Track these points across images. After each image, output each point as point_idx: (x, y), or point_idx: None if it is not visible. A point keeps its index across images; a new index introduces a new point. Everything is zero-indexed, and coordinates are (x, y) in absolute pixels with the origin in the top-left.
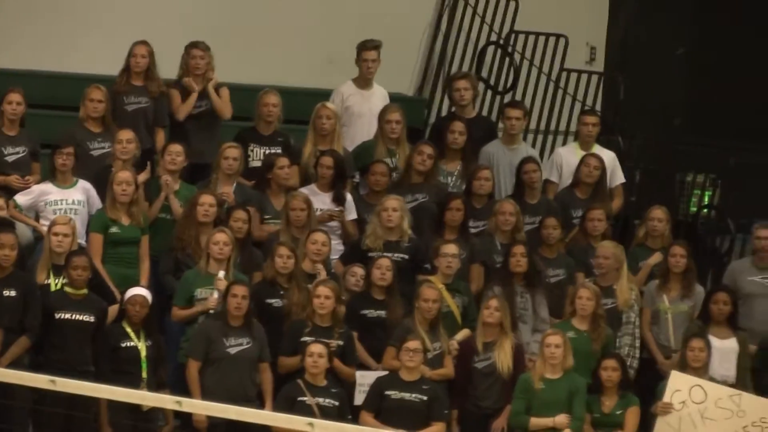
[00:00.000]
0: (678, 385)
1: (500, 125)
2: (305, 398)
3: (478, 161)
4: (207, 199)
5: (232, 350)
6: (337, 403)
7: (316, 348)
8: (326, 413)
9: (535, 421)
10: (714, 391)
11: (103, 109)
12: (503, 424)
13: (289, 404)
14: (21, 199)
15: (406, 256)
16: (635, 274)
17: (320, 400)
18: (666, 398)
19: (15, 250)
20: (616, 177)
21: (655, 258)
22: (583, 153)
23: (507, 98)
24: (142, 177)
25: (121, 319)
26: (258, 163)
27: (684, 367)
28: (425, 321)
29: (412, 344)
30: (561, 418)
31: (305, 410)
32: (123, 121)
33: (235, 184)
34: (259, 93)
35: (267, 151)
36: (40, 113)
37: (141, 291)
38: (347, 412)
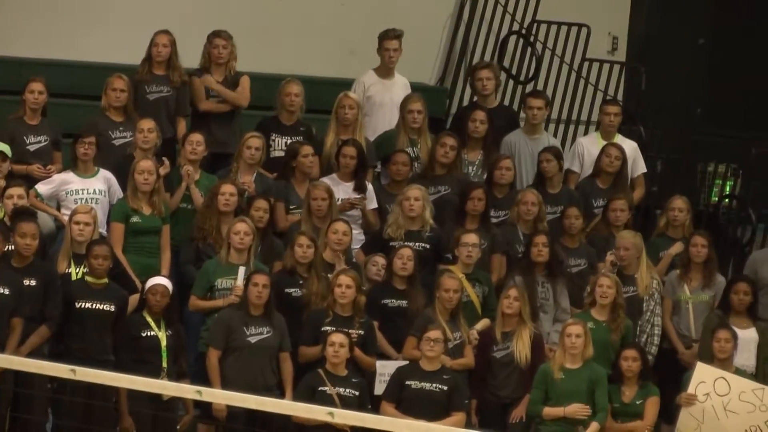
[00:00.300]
0: (703, 377)
1: (522, 115)
2: (326, 388)
3: (499, 151)
4: (228, 188)
5: (253, 339)
6: (357, 393)
7: (337, 338)
8: (347, 403)
9: (548, 411)
10: (738, 384)
11: (125, 98)
12: (522, 413)
13: (309, 394)
14: (42, 188)
15: (428, 246)
16: (656, 264)
17: (341, 389)
18: (691, 389)
19: (36, 239)
20: (638, 167)
21: (676, 248)
22: (604, 143)
23: (529, 88)
24: (163, 171)
25: (142, 308)
26: (280, 153)
27: (708, 357)
28: (446, 311)
29: (433, 334)
30: (573, 408)
31: (326, 400)
32: (145, 110)
33: (255, 174)
34: (281, 82)
35: (289, 141)
36: (61, 102)
37: (162, 280)
38: (367, 402)
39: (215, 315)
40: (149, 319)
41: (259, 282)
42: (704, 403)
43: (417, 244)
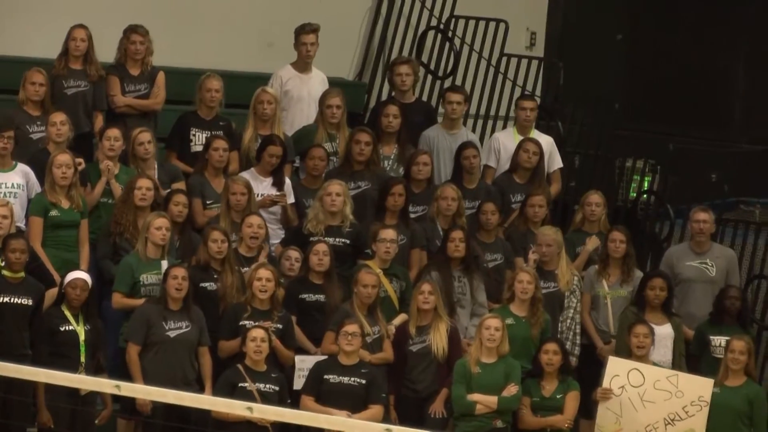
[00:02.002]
0: (616, 370)
1: (441, 110)
2: (246, 384)
3: (416, 146)
4: (144, 182)
5: (172, 333)
6: (277, 388)
7: (258, 333)
8: (267, 399)
9: (480, 397)
10: (651, 374)
11: (44, 92)
12: (440, 408)
13: (229, 390)
14: None
15: (348, 241)
16: (573, 260)
17: (261, 385)
18: (605, 384)
19: None
20: (554, 162)
21: (592, 242)
22: (520, 138)
23: (447, 83)
24: (79, 168)
25: (61, 302)
26: (200, 148)
27: (625, 353)
28: (363, 306)
29: (350, 328)
30: (510, 389)
31: (246, 396)
32: (62, 104)
33: (156, 166)
34: (201, 77)
35: (208, 135)
36: None
37: (81, 275)
38: (287, 397)
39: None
40: (68, 314)
41: (178, 275)
42: (620, 396)
43: (337, 239)
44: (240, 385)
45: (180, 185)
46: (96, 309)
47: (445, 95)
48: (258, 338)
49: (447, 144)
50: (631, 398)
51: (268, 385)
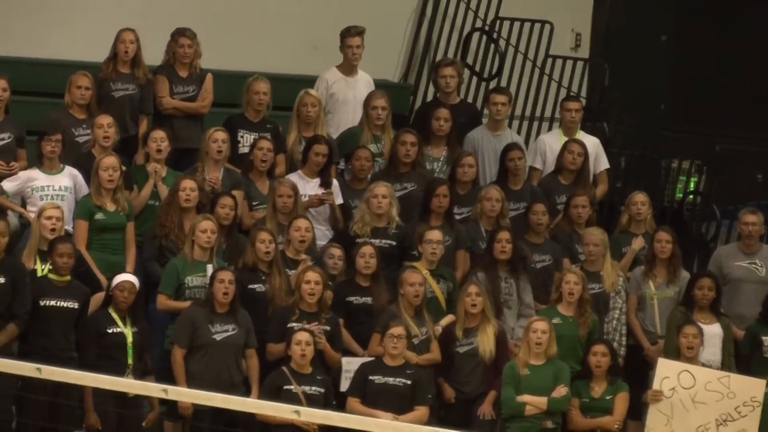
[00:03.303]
0: (666, 372)
1: (485, 111)
2: (291, 386)
3: (462, 147)
4: (188, 183)
5: (218, 337)
6: (322, 391)
7: (303, 336)
8: (312, 401)
9: (529, 398)
10: (702, 375)
11: (89, 96)
12: (488, 410)
13: (274, 393)
14: (8, 185)
15: (394, 243)
16: (619, 260)
17: (306, 388)
18: (655, 386)
19: (5, 237)
20: (601, 163)
21: (638, 243)
22: (566, 139)
23: (492, 85)
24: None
25: (108, 305)
26: (247, 149)
27: (674, 353)
28: (410, 306)
29: (396, 330)
30: (560, 390)
31: (291, 398)
32: (109, 107)
33: (222, 169)
34: (247, 80)
35: (256, 137)
36: (21, 100)
37: (129, 277)
38: (332, 400)
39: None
40: (115, 316)
41: (224, 278)
42: (671, 398)
43: (383, 241)
44: (285, 387)
45: (238, 195)
46: (143, 311)
47: (490, 96)
48: (303, 341)
49: (491, 145)
50: (682, 400)
51: (313, 388)
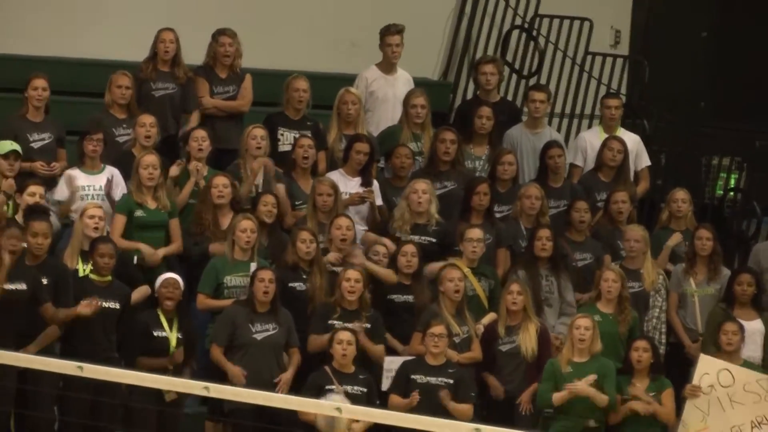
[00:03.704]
0: (706, 369)
1: (525, 109)
2: (333, 386)
3: (501, 145)
4: (221, 180)
5: (259, 336)
6: (365, 390)
7: (345, 335)
8: (354, 400)
9: (556, 396)
10: (742, 375)
11: (129, 95)
12: (527, 402)
13: (316, 392)
14: (58, 195)
15: (434, 240)
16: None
17: (348, 387)
18: (695, 381)
19: (48, 238)
20: (642, 160)
21: (675, 239)
22: (606, 136)
23: (532, 82)
24: (174, 171)
25: (153, 306)
26: (288, 147)
27: (715, 350)
28: (451, 304)
29: (436, 329)
30: (582, 383)
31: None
32: (150, 106)
33: (262, 170)
34: (286, 78)
35: (297, 135)
36: (60, 99)
37: (172, 274)
38: (375, 399)
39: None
40: (162, 319)
41: (265, 277)
42: (709, 395)
43: (423, 237)
44: (327, 387)
45: (280, 188)
46: (188, 314)
47: (529, 94)
48: (344, 341)
49: (530, 143)
50: (720, 398)
51: (355, 387)
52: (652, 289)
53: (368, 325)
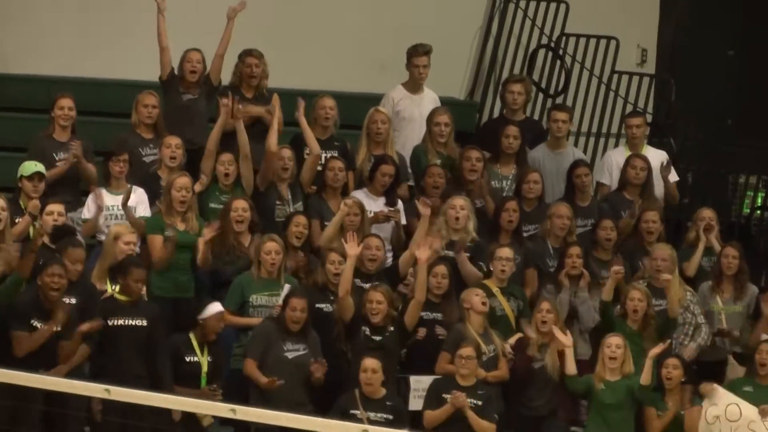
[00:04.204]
0: (716, 400)
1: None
2: (357, 411)
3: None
4: (240, 204)
5: (290, 355)
6: (390, 417)
7: (371, 363)
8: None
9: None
10: (749, 412)
11: (156, 114)
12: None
13: (340, 415)
14: (87, 214)
15: (469, 256)
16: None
17: (372, 414)
18: (703, 408)
19: (82, 265)
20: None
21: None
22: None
23: (558, 101)
24: (198, 188)
25: (189, 329)
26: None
27: (750, 369)
28: (478, 322)
29: (464, 351)
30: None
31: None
32: (177, 116)
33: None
34: (314, 98)
35: (325, 155)
36: (86, 120)
37: (220, 307)
38: (404, 424)
39: (251, 330)
40: (194, 343)
41: (297, 307)
42: (713, 424)
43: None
44: (351, 411)
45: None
46: (218, 339)
47: (551, 113)
48: (369, 369)
49: (554, 163)
50: (722, 430)
51: (380, 414)
52: (681, 306)
53: (479, 402)
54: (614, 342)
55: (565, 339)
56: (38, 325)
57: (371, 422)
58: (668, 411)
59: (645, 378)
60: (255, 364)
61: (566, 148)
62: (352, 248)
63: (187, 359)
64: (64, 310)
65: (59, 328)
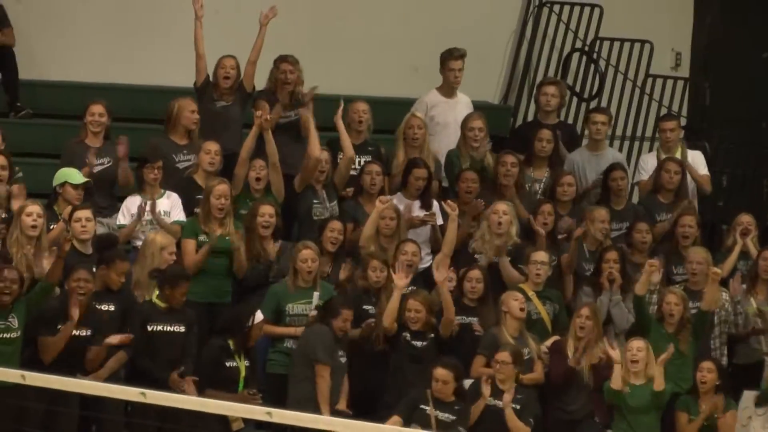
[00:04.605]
0: (748, 403)
1: (585, 132)
2: (426, 408)
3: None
4: (267, 209)
5: (343, 359)
6: (454, 418)
7: (441, 374)
8: (441, 426)
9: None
10: None
11: (197, 119)
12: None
13: (410, 410)
14: (122, 220)
15: (508, 259)
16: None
17: (439, 413)
18: (739, 411)
19: (124, 278)
20: (699, 168)
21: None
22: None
23: (592, 105)
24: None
25: (227, 335)
26: (352, 172)
27: None
28: (514, 326)
29: (501, 356)
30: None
31: (424, 419)
32: (212, 123)
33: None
34: (348, 103)
35: (359, 160)
36: (119, 126)
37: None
38: (465, 426)
39: (313, 328)
40: (233, 348)
41: (348, 318)
42: (746, 426)
43: (496, 258)
44: (421, 407)
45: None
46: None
47: (589, 116)
48: (440, 380)
49: (593, 166)
50: (755, 428)
51: (446, 414)
52: (715, 307)
53: (517, 407)
54: (635, 345)
55: (616, 355)
56: None
57: (437, 420)
58: (700, 415)
59: (658, 384)
60: (328, 370)
61: (605, 150)
62: (401, 280)
63: (227, 364)
64: (80, 307)
65: (86, 333)
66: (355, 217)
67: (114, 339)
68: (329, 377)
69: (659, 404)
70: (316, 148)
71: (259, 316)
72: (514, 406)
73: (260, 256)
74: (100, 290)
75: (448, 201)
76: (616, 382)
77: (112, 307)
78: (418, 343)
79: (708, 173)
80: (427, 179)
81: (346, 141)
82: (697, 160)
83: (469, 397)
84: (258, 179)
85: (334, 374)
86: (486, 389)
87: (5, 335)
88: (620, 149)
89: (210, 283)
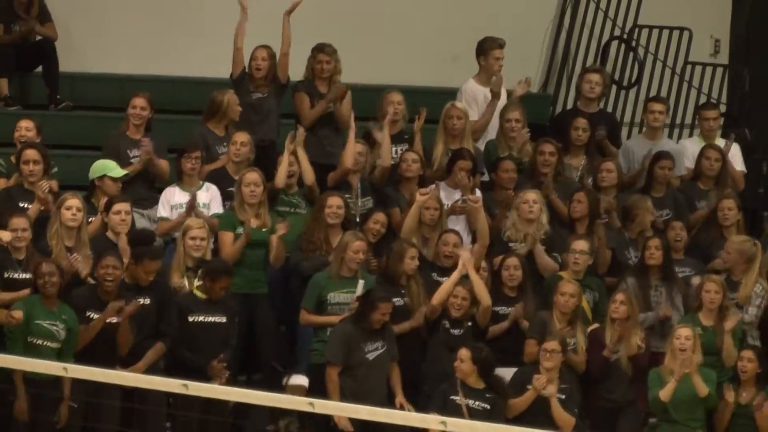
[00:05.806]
0: None
1: (629, 120)
2: (456, 397)
3: (602, 155)
4: (335, 201)
5: (371, 356)
6: (487, 407)
7: (462, 352)
8: (474, 415)
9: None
10: None
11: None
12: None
13: (442, 401)
14: (163, 212)
15: (543, 248)
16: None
17: (471, 401)
18: None
19: (154, 275)
20: (736, 164)
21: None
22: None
23: (631, 93)
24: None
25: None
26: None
27: None
28: (562, 316)
29: (549, 345)
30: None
31: (455, 409)
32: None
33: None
34: (383, 93)
35: (394, 149)
36: (160, 117)
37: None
38: (500, 418)
39: (329, 329)
40: None
41: (386, 311)
42: None
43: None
44: (451, 398)
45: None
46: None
47: (647, 105)
48: (458, 358)
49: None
50: None
51: (478, 402)
52: (745, 301)
53: (563, 397)
54: (684, 333)
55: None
56: (94, 317)
57: (469, 409)
58: (733, 401)
59: (701, 391)
60: (338, 371)
61: (662, 139)
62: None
63: None
64: (110, 294)
65: (116, 320)
66: (397, 203)
67: (130, 308)
68: (337, 378)
69: (707, 406)
70: (349, 158)
71: (296, 380)
72: (559, 395)
73: (321, 246)
74: (131, 284)
75: (470, 196)
76: (702, 390)
77: (148, 300)
78: (456, 331)
79: (744, 169)
80: (471, 170)
81: (386, 151)
82: (735, 154)
83: (512, 386)
84: (290, 175)
85: (360, 370)
86: (540, 384)
87: (50, 344)
88: None
89: (247, 274)
